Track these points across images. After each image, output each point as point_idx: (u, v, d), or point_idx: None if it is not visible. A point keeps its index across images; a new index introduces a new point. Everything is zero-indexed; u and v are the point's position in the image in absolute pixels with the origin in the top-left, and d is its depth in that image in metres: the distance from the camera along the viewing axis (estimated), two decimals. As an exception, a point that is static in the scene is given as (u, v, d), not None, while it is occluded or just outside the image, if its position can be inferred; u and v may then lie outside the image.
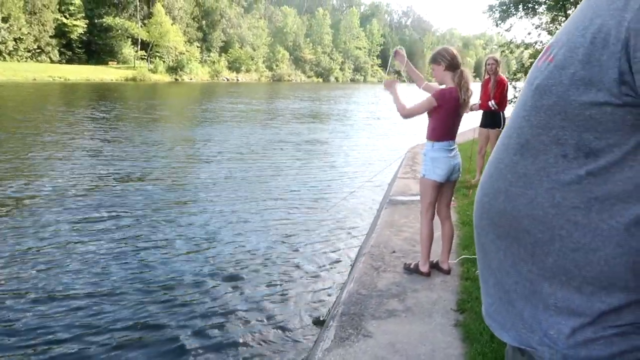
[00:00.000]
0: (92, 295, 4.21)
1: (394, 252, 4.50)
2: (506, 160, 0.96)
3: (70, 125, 15.94)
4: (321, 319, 3.82)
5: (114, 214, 6.51)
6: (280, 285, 4.59)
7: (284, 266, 5.02)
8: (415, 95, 3.91)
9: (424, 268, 3.88)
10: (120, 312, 3.94)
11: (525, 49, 23.77)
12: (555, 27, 23.10)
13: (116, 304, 4.07)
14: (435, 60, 3.63)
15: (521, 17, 23.19)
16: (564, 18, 21.94)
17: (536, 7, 22.61)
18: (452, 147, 3.73)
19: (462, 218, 5.40)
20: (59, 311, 3.92)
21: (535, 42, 23.50)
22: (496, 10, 22.97)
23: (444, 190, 3.88)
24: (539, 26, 23.36)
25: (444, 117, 3.63)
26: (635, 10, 0.75)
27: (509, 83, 7.63)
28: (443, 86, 3.68)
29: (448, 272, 3.92)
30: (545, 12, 22.69)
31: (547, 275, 0.89)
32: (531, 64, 23.57)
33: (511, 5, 22.43)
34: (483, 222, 1.02)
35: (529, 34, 24.03)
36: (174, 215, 6.60)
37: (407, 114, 3.69)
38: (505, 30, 24.59)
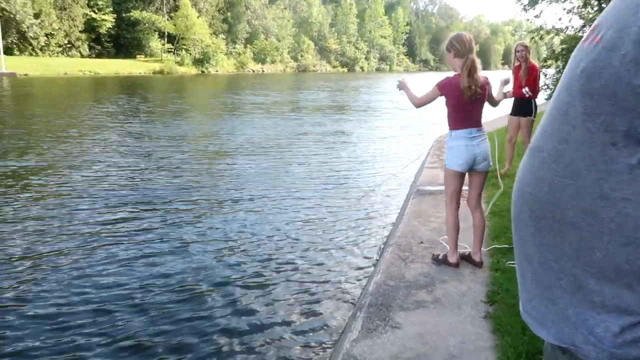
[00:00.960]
0: (116, 297, 4.19)
1: (421, 242, 4.45)
2: (549, 148, 0.91)
3: (99, 118, 16.26)
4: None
5: (138, 209, 6.58)
6: (308, 275, 4.58)
7: (311, 257, 5.02)
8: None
9: (452, 259, 3.84)
10: (144, 313, 3.87)
11: (556, 34, 23.15)
12: (587, 12, 22.42)
13: (139, 305, 4.01)
14: (446, 48, 3.63)
15: (551, 2, 22.61)
16: (596, 1, 21.29)
17: (568, -10, 21.97)
18: (474, 135, 3.63)
19: (492, 208, 5.30)
20: (74, 313, 3.85)
21: (567, 27, 22.86)
22: (525, -5, 22.41)
23: (472, 180, 3.81)
24: (571, 10, 22.70)
25: (453, 105, 3.62)
26: None
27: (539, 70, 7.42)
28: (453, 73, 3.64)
29: (480, 264, 3.84)
30: (577, -5, 22.03)
31: (594, 271, 0.84)
32: (563, 50, 22.93)
33: (541, -11, 21.84)
34: (523, 214, 0.98)
35: (560, 19, 23.38)
36: (199, 209, 6.65)
37: (418, 104, 3.75)
38: (535, 17, 23.97)
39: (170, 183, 7.96)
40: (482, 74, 3.62)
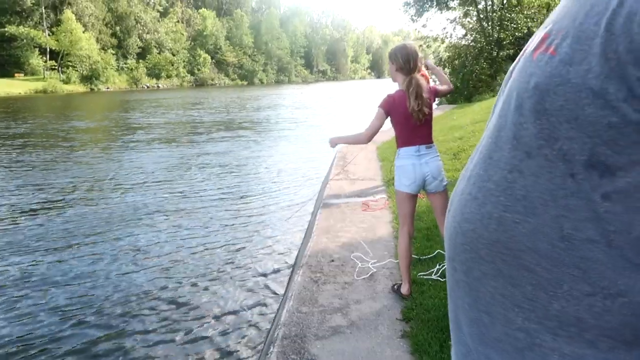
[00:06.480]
0: None
1: (332, 260, 4.32)
2: (496, 178, 0.75)
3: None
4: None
5: (18, 246, 5.89)
6: (214, 311, 4.27)
7: (217, 291, 4.70)
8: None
9: (404, 289, 3.51)
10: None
11: (442, 42, 24.70)
12: (468, 22, 24.19)
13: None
14: (390, 57, 3.32)
15: (435, 12, 24.09)
16: (475, 12, 23.00)
17: (449, 2, 23.59)
18: (422, 153, 3.28)
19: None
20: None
21: (450, 35, 24.49)
22: (411, 6, 23.75)
23: (432, 202, 3.49)
24: (453, 20, 24.37)
25: (401, 122, 3.28)
26: None
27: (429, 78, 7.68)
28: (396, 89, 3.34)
29: None
30: (458, 7, 23.72)
31: (551, 325, 0.70)
32: (449, 57, 24.26)
33: (426, 0, 23.25)
34: (465, 255, 0.80)
35: (444, 28, 24.97)
36: (80, 249, 6.00)
37: (369, 136, 3.33)
38: (422, 26, 25.34)
39: (50, 220, 7.18)
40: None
